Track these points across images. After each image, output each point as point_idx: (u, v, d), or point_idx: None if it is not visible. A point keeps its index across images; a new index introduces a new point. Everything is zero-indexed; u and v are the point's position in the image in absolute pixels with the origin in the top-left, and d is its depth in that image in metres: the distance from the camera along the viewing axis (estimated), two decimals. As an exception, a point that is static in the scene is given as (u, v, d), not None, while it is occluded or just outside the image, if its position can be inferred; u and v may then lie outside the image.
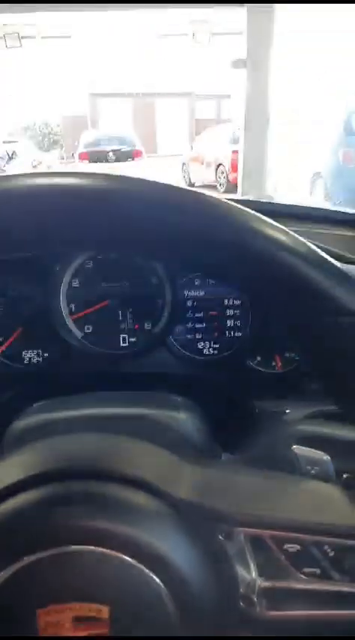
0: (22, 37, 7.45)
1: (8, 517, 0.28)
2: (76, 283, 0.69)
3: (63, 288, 0.68)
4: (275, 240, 0.29)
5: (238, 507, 0.30)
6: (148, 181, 0.29)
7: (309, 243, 0.29)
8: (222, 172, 9.41)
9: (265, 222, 0.29)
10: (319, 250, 0.29)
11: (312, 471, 0.36)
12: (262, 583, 0.30)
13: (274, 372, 0.71)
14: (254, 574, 0.30)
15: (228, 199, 1.08)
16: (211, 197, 0.30)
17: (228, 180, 9.13)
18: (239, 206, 0.30)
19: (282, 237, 0.29)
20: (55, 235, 0.29)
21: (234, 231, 0.29)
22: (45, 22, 7.26)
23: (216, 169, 9.68)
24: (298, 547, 0.29)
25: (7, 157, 6.95)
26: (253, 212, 0.30)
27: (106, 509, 0.29)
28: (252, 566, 0.30)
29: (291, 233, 0.29)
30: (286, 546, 0.29)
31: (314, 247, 0.29)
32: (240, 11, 4.42)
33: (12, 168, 7.02)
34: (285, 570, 0.29)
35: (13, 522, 0.28)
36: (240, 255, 0.29)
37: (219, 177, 9.60)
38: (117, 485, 0.30)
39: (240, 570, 0.30)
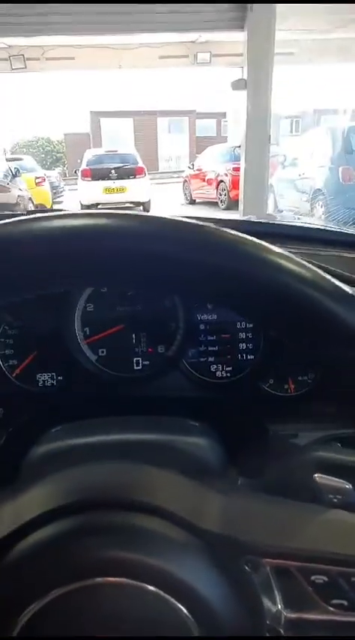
0: (27, 59, 7.59)
1: (36, 550, 0.29)
2: (90, 307, 0.70)
3: (77, 312, 0.69)
4: (298, 275, 0.29)
5: (264, 538, 0.29)
6: (170, 220, 0.30)
7: (330, 277, 0.30)
8: (223, 189, 9.43)
9: (288, 257, 0.30)
10: (343, 285, 0.30)
11: (335, 500, 0.35)
12: (288, 614, 0.29)
13: (287, 395, 0.71)
14: (280, 605, 0.29)
15: (231, 221, 1.11)
16: (228, 233, 0.30)
17: (229, 197, 9.16)
18: (263, 244, 0.30)
19: (306, 273, 0.29)
20: (88, 276, 0.30)
21: (260, 269, 0.29)
22: (49, 43, 7.44)
23: (217, 186, 9.69)
24: (325, 578, 0.28)
25: (10, 174, 7.05)
26: (278, 250, 0.30)
27: (133, 540, 0.29)
28: (278, 597, 0.29)
29: (313, 268, 0.30)
30: (313, 577, 0.29)
31: (337, 283, 0.30)
32: (240, 34, 4.53)
33: (15, 185, 7.12)
34: (312, 602, 0.29)
35: (41, 555, 0.29)
36: (265, 293, 0.29)
37: (220, 194, 9.64)
38: (144, 516, 0.30)
39: (266, 601, 0.29)
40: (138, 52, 7.68)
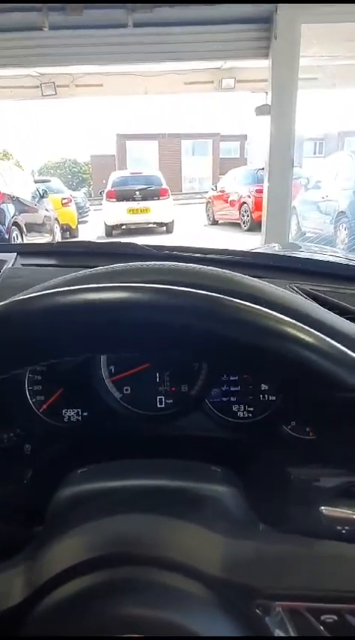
0: (57, 86, 7.87)
1: (57, 607, 0.30)
2: None
3: None
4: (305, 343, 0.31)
5: (271, 581, 0.30)
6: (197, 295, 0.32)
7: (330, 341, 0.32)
8: (246, 211, 9.57)
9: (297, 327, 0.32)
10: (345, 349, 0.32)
11: (343, 531, 0.35)
12: None
13: (308, 437, 0.70)
14: None
15: (254, 253, 1.02)
16: (251, 307, 0.32)
17: (251, 219, 9.25)
18: (275, 315, 0.32)
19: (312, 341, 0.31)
20: (113, 346, 0.33)
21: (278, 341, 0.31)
22: (79, 71, 7.73)
23: (240, 208, 9.85)
24: (335, 617, 0.29)
25: (38, 195, 7.25)
26: (289, 320, 0.32)
27: (147, 595, 0.29)
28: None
29: (323, 337, 0.32)
30: (323, 617, 0.29)
31: (339, 346, 0.32)
32: (264, 61, 4.62)
33: (42, 206, 7.31)
34: None
35: (63, 612, 0.30)
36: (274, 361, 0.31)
37: (243, 216, 9.76)
38: (155, 569, 0.31)
39: None
40: (164, 78, 7.89)
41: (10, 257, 0.86)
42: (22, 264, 0.86)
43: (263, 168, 9.90)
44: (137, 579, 0.30)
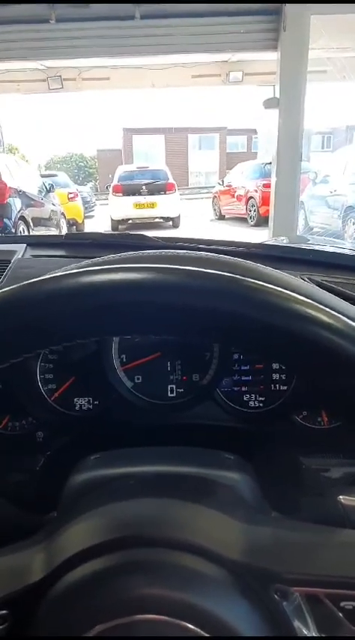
0: (64, 80, 7.84)
1: (78, 587, 0.30)
2: None
3: (115, 339, 0.71)
4: (331, 326, 0.30)
5: (290, 566, 0.30)
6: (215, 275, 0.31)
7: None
8: (253, 205, 9.42)
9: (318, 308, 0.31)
10: None
11: None
12: None
13: (320, 427, 0.70)
14: (314, 632, 0.29)
15: (264, 245, 1.00)
16: (269, 288, 0.31)
17: (258, 214, 9.13)
18: (297, 297, 0.31)
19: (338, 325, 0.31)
20: (131, 327, 0.32)
21: (295, 322, 0.30)
22: (85, 64, 7.68)
23: (247, 202, 9.71)
24: (354, 604, 0.28)
25: (45, 190, 7.23)
26: (312, 302, 0.31)
27: (166, 577, 0.29)
28: (311, 624, 0.29)
29: (343, 319, 0.31)
30: (342, 604, 0.28)
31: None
32: (273, 53, 4.56)
33: (49, 200, 7.30)
34: (345, 628, 0.29)
35: (84, 592, 0.29)
36: (296, 343, 0.31)
37: (250, 211, 9.61)
38: (176, 552, 0.30)
39: (300, 628, 0.29)
40: (171, 71, 7.83)
41: (20, 248, 0.87)
42: (32, 255, 0.86)
43: (270, 163, 9.85)
44: (154, 561, 0.30)
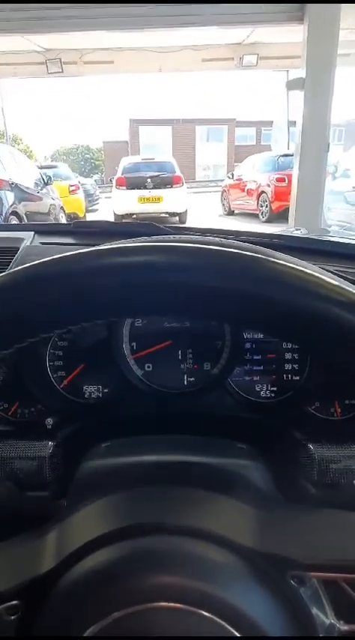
0: (64, 63, 7.29)
1: (91, 575, 0.29)
2: (138, 322, 0.71)
3: (126, 327, 0.70)
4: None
5: (306, 552, 0.30)
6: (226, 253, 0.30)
7: None
8: (265, 201, 8.83)
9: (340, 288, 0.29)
10: None
11: None
12: (341, 626, 0.30)
13: (333, 418, 0.71)
14: (332, 618, 0.29)
15: (279, 235, 0.91)
16: (284, 265, 0.29)
17: (270, 209, 8.63)
18: (321, 276, 0.29)
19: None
20: (141, 308, 0.31)
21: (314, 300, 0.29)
22: (87, 46, 7.13)
23: (258, 197, 9.09)
24: None
25: (42, 182, 6.73)
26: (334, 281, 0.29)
27: (181, 565, 0.29)
28: (328, 610, 0.29)
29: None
30: None
31: None
32: (292, 35, 4.04)
33: (48, 194, 6.81)
34: None
35: (97, 580, 0.29)
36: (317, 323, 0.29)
37: (261, 206, 9.03)
38: (189, 539, 0.31)
39: (319, 614, 0.29)
40: (180, 54, 7.28)
41: (28, 236, 0.87)
42: (41, 243, 0.86)
43: (284, 155, 9.34)
44: (168, 549, 0.30)
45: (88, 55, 7.29)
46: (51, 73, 7.09)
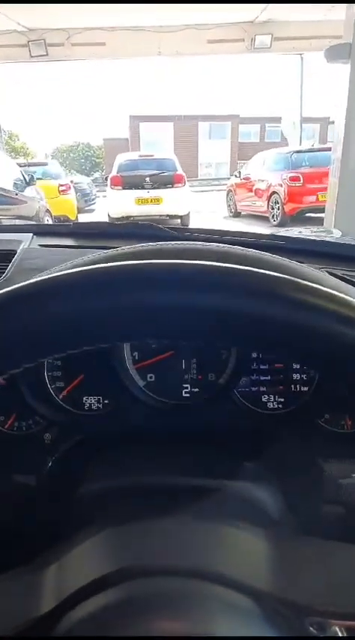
0: (49, 45, 6.36)
1: (86, 621, 0.28)
2: None
3: None
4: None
5: (324, 598, 0.28)
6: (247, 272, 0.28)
7: None
8: (276, 202, 7.99)
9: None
10: None
11: None
12: None
13: (343, 431, 0.68)
14: None
15: (284, 237, 0.94)
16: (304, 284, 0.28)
17: (283, 211, 7.77)
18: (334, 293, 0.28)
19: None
20: (160, 330, 0.30)
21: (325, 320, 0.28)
22: (75, 25, 6.26)
23: (269, 198, 8.22)
24: None
25: (23, 182, 5.85)
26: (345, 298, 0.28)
27: (194, 609, 0.28)
28: None
29: None
30: None
31: None
32: (309, 11, 3.17)
33: (32, 196, 5.92)
34: None
35: (92, 625, 0.28)
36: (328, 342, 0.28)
37: (272, 208, 8.18)
38: (195, 581, 0.29)
39: None
40: (182, 35, 6.35)
41: (27, 237, 0.85)
42: (40, 245, 0.84)
43: (298, 151, 8.42)
44: (173, 591, 0.29)
45: (77, 35, 6.39)
46: (34, 56, 6.22)
